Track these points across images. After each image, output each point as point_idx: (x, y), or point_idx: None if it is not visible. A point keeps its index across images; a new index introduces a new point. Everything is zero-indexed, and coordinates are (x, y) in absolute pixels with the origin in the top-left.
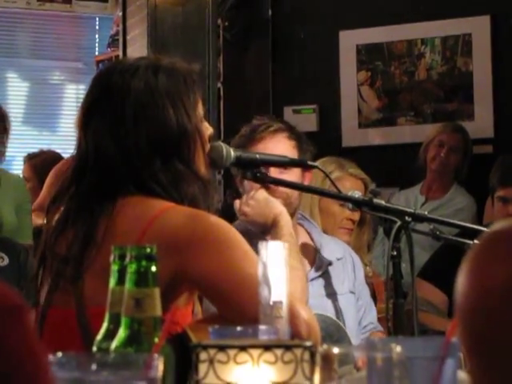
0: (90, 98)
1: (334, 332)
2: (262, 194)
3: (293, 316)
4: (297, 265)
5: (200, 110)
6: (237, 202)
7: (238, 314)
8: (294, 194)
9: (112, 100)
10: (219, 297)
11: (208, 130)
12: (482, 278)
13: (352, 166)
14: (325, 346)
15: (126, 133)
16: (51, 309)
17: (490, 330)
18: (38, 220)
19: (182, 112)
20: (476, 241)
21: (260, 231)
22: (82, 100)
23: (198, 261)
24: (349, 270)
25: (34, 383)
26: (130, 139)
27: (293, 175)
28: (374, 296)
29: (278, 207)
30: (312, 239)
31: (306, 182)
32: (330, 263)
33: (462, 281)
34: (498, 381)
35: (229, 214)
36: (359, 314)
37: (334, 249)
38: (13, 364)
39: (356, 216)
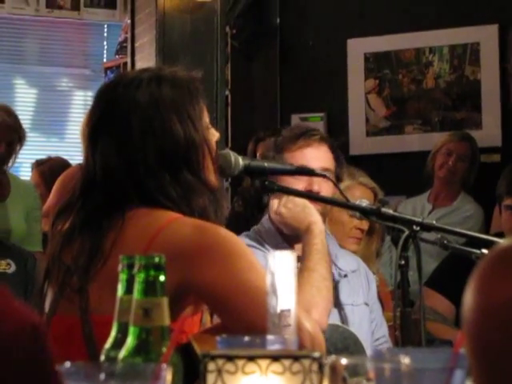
0: (95, 113)
1: (350, 344)
2: (302, 199)
3: (297, 328)
4: (326, 274)
5: (206, 117)
6: (275, 202)
7: (243, 326)
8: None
9: (117, 115)
10: (223, 308)
11: (215, 136)
12: (489, 295)
13: (362, 174)
14: (333, 357)
15: (133, 148)
16: (55, 316)
17: (496, 348)
18: (45, 226)
19: (189, 123)
20: (484, 250)
21: (290, 234)
22: (87, 114)
23: (203, 272)
24: (363, 283)
25: None
26: (138, 154)
27: (329, 188)
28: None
29: (314, 215)
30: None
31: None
32: (345, 275)
33: (469, 298)
34: None
35: (236, 222)
36: (371, 326)
37: (349, 261)
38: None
39: (365, 225)
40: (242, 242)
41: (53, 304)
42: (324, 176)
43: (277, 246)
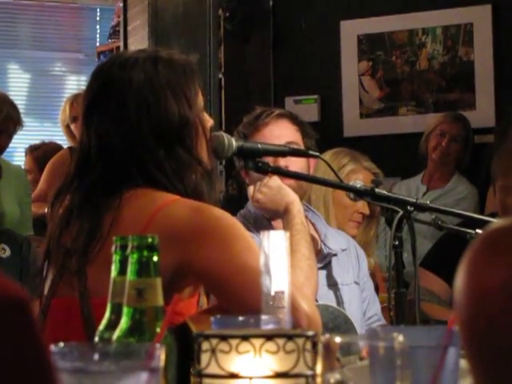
0: (90, 92)
1: (341, 323)
2: (275, 181)
3: (294, 308)
4: (308, 254)
5: (200, 100)
6: (250, 189)
7: (240, 306)
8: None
9: (113, 93)
10: (221, 290)
11: (209, 121)
12: (479, 278)
13: (366, 159)
14: (327, 336)
15: (129, 124)
16: (54, 299)
17: (489, 332)
18: (37, 210)
19: (184, 102)
20: (478, 231)
21: (272, 218)
22: (83, 92)
23: (200, 253)
24: (353, 261)
25: (38, 379)
26: (134, 129)
27: (299, 162)
28: (376, 288)
29: (290, 195)
30: (316, 230)
31: (311, 169)
32: (334, 254)
33: (460, 280)
34: (499, 381)
35: (230, 205)
36: (363, 305)
37: (338, 240)
38: (16, 359)
39: (366, 210)
40: (238, 223)
41: (52, 286)
42: (317, 157)
43: (263, 229)
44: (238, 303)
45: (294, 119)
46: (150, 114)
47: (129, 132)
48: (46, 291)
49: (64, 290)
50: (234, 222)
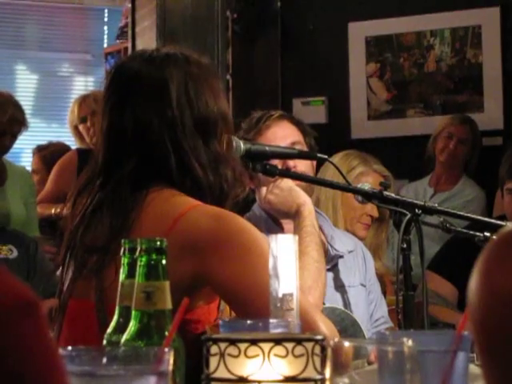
0: (114, 89)
1: (348, 326)
2: (286, 182)
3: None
4: (317, 257)
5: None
6: (263, 190)
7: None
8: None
9: (148, 88)
10: (238, 302)
11: None
12: (494, 280)
13: (376, 161)
14: (336, 340)
15: (171, 111)
16: (72, 299)
17: (502, 332)
18: (43, 211)
19: (218, 96)
20: (487, 234)
21: (283, 219)
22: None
23: (219, 266)
24: (359, 263)
25: (48, 382)
26: (175, 117)
27: (306, 162)
28: (384, 291)
29: (301, 197)
30: (322, 231)
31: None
32: (341, 256)
33: (474, 282)
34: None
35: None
36: (370, 308)
37: (345, 241)
38: (26, 362)
39: (375, 212)
40: (259, 234)
41: (70, 285)
42: (325, 159)
43: (270, 231)
44: (253, 317)
45: (294, 119)
46: (191, 104)
47: (169, 116)
48: (64, 289)
49: (82, 289)
50: (254, 234)
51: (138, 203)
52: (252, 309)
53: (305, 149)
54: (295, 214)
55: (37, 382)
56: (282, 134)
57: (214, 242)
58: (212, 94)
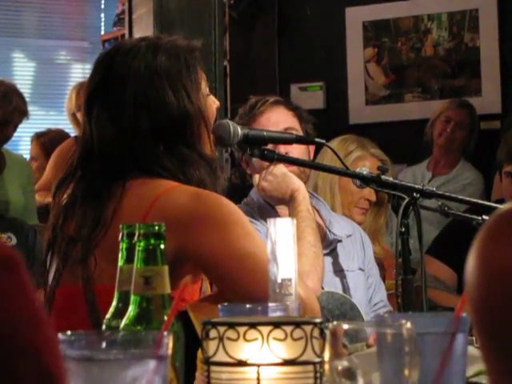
0: (92, 82)
1: (347, 310)
2: (280, 168)
3: None
4: (313, 241)
5: (204, 86)
6: (256, 177)
7: (238, 293)
8: None
9: (112, 85)
10: (220, 276)
11: (215, 103)
12: (491, 260)
13: (373, 146)
14: (334, 323)
15: (127, 119)
16: (58, 287)
17: (503, 309)
18: (43, 199)
19: (183, 94)
20: (485, 217)
21: (278, 205)
22: (86, 82)
23: (200, 240)
24: (358, 247)
25: (35, 339)
26: (131, 125)
27: (299, 148)
28: (383, 276)
29: (295, 182)
30: (320, 216)
31: (311, 155)
32: (339, 240)
33: (471, 262)
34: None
35: (233, 193)
36: (369, 292)
37: (343, 226)
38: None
39: (373, 196)
40: (238, 210)
41: (56, 275)
42: (324, 144)
43: (267, 217)
44: (236, 289)
45: (290, 105)
46: (149, 108)
47: (126, 127)
48: (50, 280)
49: (67, 278)
50: (233, 209)
51: (115, 193)
52: (233, 279)
53: (300, 135)
54: (290, 200)
55: (16, 333)
56: (276, 120)
57: (193, 218)
58: (184, 89)
